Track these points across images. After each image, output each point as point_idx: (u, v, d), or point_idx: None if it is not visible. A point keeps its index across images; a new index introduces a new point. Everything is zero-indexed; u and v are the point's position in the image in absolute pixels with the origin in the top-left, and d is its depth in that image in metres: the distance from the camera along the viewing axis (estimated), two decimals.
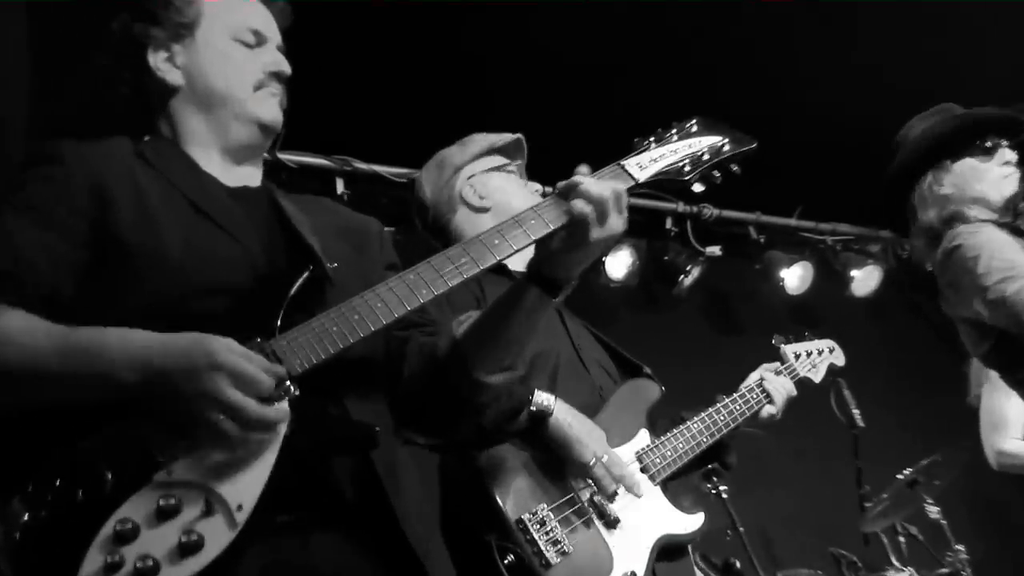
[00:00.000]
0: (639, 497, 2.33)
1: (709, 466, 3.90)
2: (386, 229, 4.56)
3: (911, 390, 6.31)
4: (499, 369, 1.82)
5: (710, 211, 5.86)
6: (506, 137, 2.83)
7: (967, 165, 2.90)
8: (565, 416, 2.25)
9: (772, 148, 5.71)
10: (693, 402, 2.88)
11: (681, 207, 5.77)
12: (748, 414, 2.76)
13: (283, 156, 4.37)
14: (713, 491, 3.89)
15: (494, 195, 2.69)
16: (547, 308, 1.82)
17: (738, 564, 3.97)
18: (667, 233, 5.80)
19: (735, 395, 2.77)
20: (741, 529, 3.82)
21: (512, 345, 1.82)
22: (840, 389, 4.68)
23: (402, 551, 1.70)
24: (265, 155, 2.04)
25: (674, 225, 5.81)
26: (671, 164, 1.89)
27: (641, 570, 2.23)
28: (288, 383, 1.55)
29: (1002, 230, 2.74)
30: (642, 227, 5.67)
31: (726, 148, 1.93)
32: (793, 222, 6.28)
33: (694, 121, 1.96)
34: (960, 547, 4.32)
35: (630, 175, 1.84)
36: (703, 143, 1.92)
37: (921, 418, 6.11)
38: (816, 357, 3.07)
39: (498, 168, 2.78)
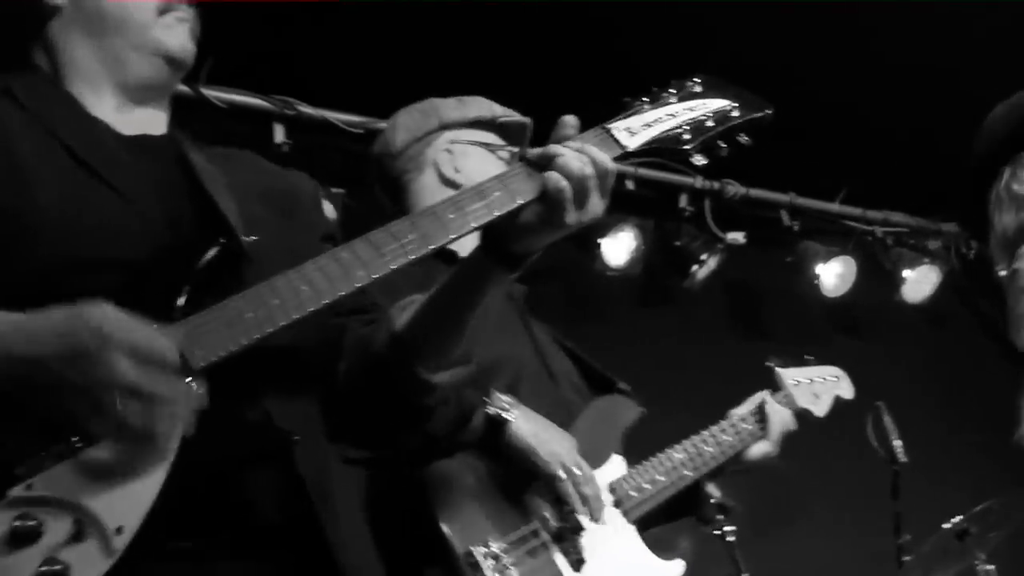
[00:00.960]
0: (604, 525, 2.35)
1: (711, 500, 3.96)
2: (335, 190, 4.59)
3: (967, 421, 6.33)
4: (447, 364, 1.82)
5: (735, 189, 5.88)
6: (513, 116, 2.84)
7: None
8: (529, 421, 2.26)
9: (813, 117, 5.81)
10: (699, 421, 2.90)
11: (699, 182, 5.78)
12: (739, 447, 2.80)
13: (208, 92, 4.33)
14: (716, 532, 3.89)
15: (471, 174, 2.67)
16: (501, 285, 1.83)
17: None
18: (680, 213, 5.81)
19: (726, 423, 2.81)
20: None
21: (461, 333, 1.83)
22: (880, 415, 4.69)
23: None
24: (186, 89, 2.02)
25: (690, 204, 5.82)
26: (668, 130, 1.89)
27: None
28: (189, 379, 1.54)
29: None
30: (650, 204, 5.67)
31: (735, 114, 1.94)
32: (835, 207, 6.31)
33: (697, 80, 1.96)
34: None
35: (618, 142, 1.84)
36: (707, 107, 1.93)
37: (977, 455, 6.15)
38: (819, 386, 3.14)
39: (489, 147, 2.77)
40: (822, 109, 5.63)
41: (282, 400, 1.73)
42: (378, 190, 2.85)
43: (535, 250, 1.81)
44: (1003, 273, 2.93)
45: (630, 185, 5.48)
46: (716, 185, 5.82)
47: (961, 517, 4.40)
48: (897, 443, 4.70)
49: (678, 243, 5.80)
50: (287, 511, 1.70)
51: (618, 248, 5.57)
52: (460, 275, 1.84)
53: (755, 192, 5.99)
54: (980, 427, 6.12)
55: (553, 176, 1.70)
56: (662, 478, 2.57)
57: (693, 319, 6.11)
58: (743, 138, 1.97)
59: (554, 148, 1.74)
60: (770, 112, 1.99)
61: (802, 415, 3.12)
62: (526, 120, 2.86)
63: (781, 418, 2.90)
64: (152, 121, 1.92)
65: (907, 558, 4.52)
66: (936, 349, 6.62)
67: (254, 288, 1.62)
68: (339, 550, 1.69)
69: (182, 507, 1.54)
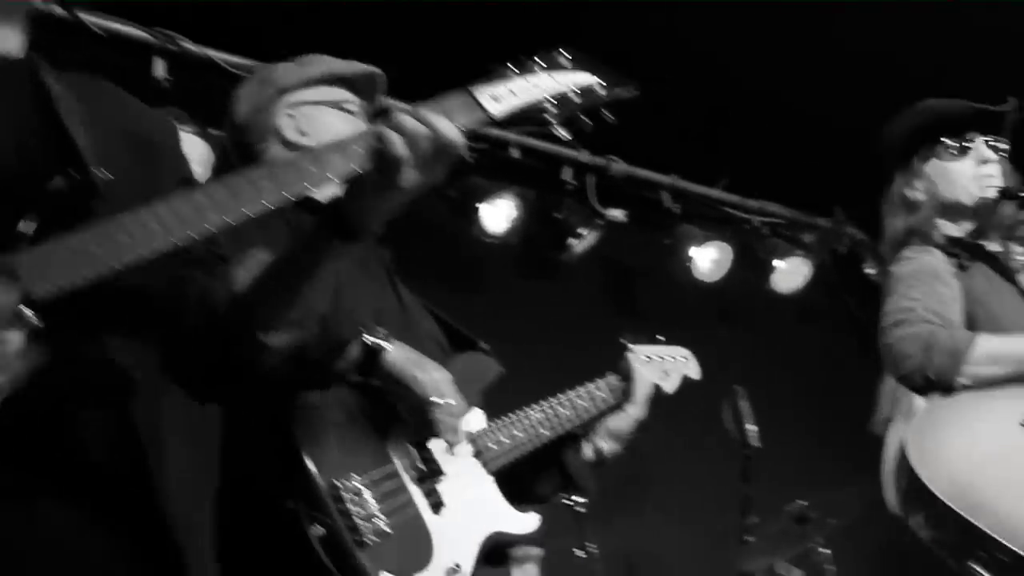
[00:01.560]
0: (464, 473, 2.40)
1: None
2: (213, 132, 4.53)
3: (823, 410, 6.55)
4: (285, 326, 1.83)
5: (619, 166, 5.94)
6: (356, 67, 2.78)
7: (935, 167, 3.09)
8: (406, 351, 2.29)
9: (703, 104, 5.89)
10: (563, 385, 2.94)
11: (585, 156, 5.83)
12: (596, 411, 2.84)
13: (87, 18, 4.22)
14: (566, 502, 4.00)
15: (320, 134, 2.61)
16: (344, 259, 1.84)
17: None
18: (563, 186, 5.86)
19: (582, 389, 2.84)
20: (594, 551, 3.93)
21: (300, 300, 1.84)
22: (737, 400, 4.85)
23: (157, 528, 1.71)
24: (63, 12, 1.96)
25: (573, 177, 5.87)
26: (533, 100, 1.91)
27: (467, 564, 2.29)
28: (27, 309, 1.52)
29: (950, 260, 2.95)
30: (533, 174, 5.71)
31: (600, 90, 1.96)
32: (716, 193, 6.44)
33: (565, 54, 1.97)
34: None
35: (482, 107, 1.85)
36: (574, 80, 1.95)
37: (830, 444, 6.36)
38: (669, 364, 3.18)
39: (334, 104, 2.74)
40: (713, 96, 5.76)
41: (121, 342, 1.72)
42: (236, 162, 2.81)
43: (371, 225, 1.82)
44: (873, 272, 3.09)
45: (515, 153, 5.50)
46: (601, 161, 5.88)
47: (804, 502, 4.59)
48: (751, 428, 4.87)
49: (558, 215, 5.86)
50: (116, 453, 1.69)
51: (497, 215, 5.61)
52: (299, 244, 1.85)
53: (639, 171, 6.06)
54: (833, 417, 6.36)
55: (388, 134, 1.72)
56: (520, 434, 2.60)
57: (566, 292, 6.18)
58: (607, 115, 2.00)
59: (393, 109, 1.76)
60: (635, 91, 2.01)
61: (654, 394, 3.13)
62: (373, 70, 2.80)
63: (645, 383, 2.94)
64: (4, 41, 1.86)
65: (750, 538, 4.70)
66: (800, 340, 6.78)
67: (102, 223, 1.59)
68: (165, 498, 1.68)
69: (7, 439, 1.53)
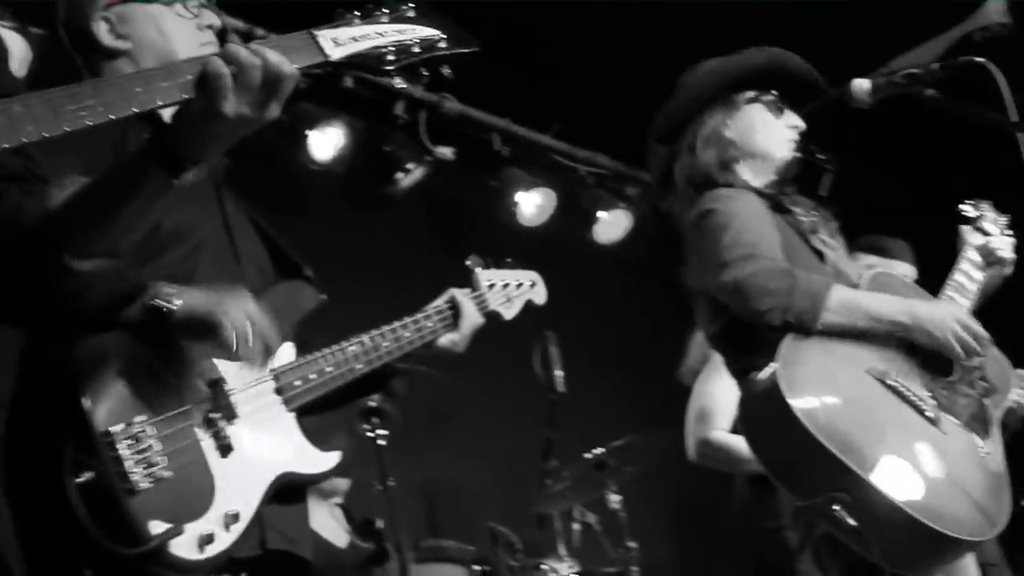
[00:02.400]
0: (262, 411, 2.35)
1: (371, 403, 4.10)
2: (35, 30, 4.35)
3: (631, 359, 6.78)
4: (96, 253, 1.83)
5: (452, 105, 5.97)
6: None
7: (757, 112, 3.15)
8: (193, 300, 2.20)
9: (539, 51, 5.94)
10: (378, 320, 2.95)
11: (419, 92, 5.83)
12: (420, 343, 2.78)
13: None
14: (369, 434, 4.05)
15: (140, 34, 2.47)
16: (166, 192, 1.83)
17: (380, 524, 4.17)
18: (395, 119, 5.85)
19: (409, 319, 2.78)
20: (392, 484, 4.01)
21: (114, 229, 1.83)
22: (547, 345, 5.00)
23: None
24: None
25: (405, 112, 5.86)
26: (374, 48, 1.93)
27: (247, 511, 2.23)
28: None
29: (764, 202, 3.01)
30: (365, 104, 5.70)
31: (441, 45, 1.99)
32: (546, 140, 6.53)
33: (411, 5, 2.00)
34: (634, 544, 4.77)
35: (321, 49, 1.87)
36: (416, 33, 1.98)
37: (634, 393, 6.62)
38: (513, 290, 3.16)
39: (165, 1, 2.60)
40: (551, 45, 5.85)
41: None
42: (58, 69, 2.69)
43: (199, 156, 1.82)
44: (686, 212, 3.09)
45: (348, 82, 5.48)
46: (434, 98, 5.89)
47: (602, 449, 4.78)
48: (559, 374, 5.03)
49: (387, 148, 5.87)
50: None
51: (325, 143, 5.58)
52: (120, 170, 1.83)
53: (471, 111, 6.10)
54: (643, 367, 6.61)
55: (215, 61, 1.72)
56: (330, 369, 2.52)
57: (390, 224, 6.22)
58: (446, 69, 2.04)
59: (235, 53, 1.73)
60: (476, 49, 2.05)
61: (493, 317, 3.12)
62: None
63: (471, 315, 2.90)
64: None
65: (549, 482, 4.87)
66: (616, 291, 6.95)
67: None
68: None
69: None
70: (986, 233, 3.20)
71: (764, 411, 2.67)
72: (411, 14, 2.01)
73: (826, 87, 3.21)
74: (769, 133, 3.13)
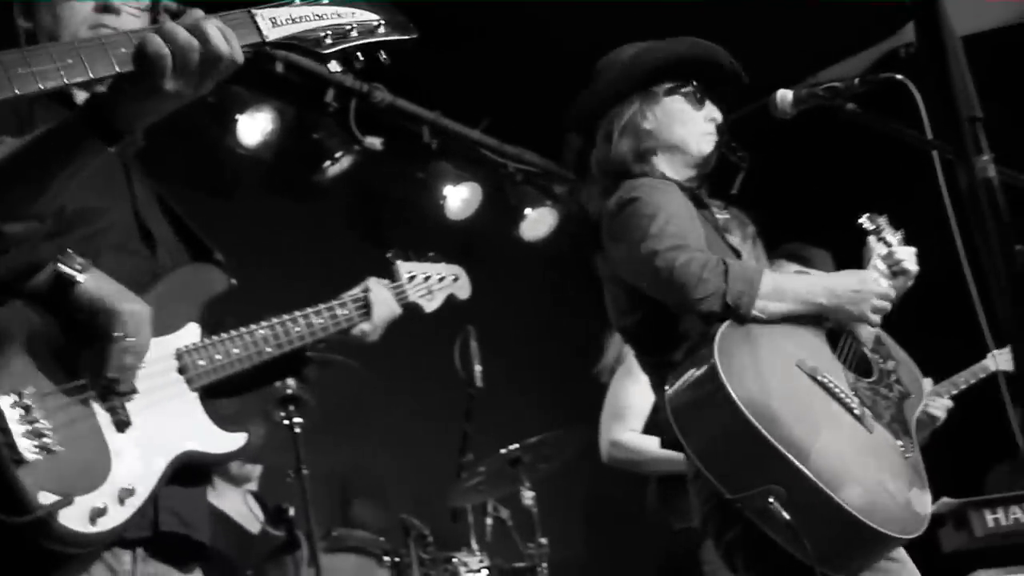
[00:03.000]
0: (163, 389, 2.33)
1: (287, 390, 4.09)
2: None
3: (551, 357, 6.84)
4: (22, 216, 1.83)
5: (383, 95, 5.96)
6: None
7: (676, 104, 3.12)
8: (100, 282, 2.21)
9: (472, 43, 5.95)
10: (298, 307, 2.94)
11: (349, 81, 5.82)
12: (333, 330, 2.77)
13: None
14: (285, 421, 4.04)
15: (39, 16, 2.48)
16: (97, 157, 1.84)
17: (292, 511, 4.17)
18: (325, 106, 5.82)
19: (323, 306, 2.76)
20: (306, 472, 4.00)
21: (45, 193, 1.83)
22: (467, 339, 5.03)
23: None
24: None
25: (336, 99, 5.85)
26: (311, 30, 1.93)
27: (145, 489, 2.22)
28: None
29: (684, 194, 3.00)
30: (295, 90, 5.66)
31: (380, 30, 1.99)
32: (475, 135, 6.54)
33: None
34: (544, 541, 4.81)
35: (258, 29, 1.87)
36: (355, 17, 1.97)
37: (553, 390, 6.68)
38: (435, 283, 3.17)
39: None
40: (484, 40, 5.87)
41: None
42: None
43: (134, 128, 1.83)
44: (600, 201, 3.06)
45: (279, 67, 5.45)
46: (365, 87, 5.87)
47: (517, 445, 4.81)
48: (478, 368, 5.06)
49: (316, 136, 5.85)
50: None
51: (253, 128, 5.55)
52: (53, 134, 1.82)
53: (402, 103, 6.08)
54: (561, 365, 6.67)
55: (155, 40, 1.73)
56: (237, 351, 2.50)
57: (315, 212, 6.21)
58: (382, 55, 2.04)
59: (175, 22, 1.76)
60: (415, 36, 2.06)
61: (413, 309, 3.13)
62: None
63: (387, 305, 2.88)
64: None
65: (464, 476, 4.89)
66: (539, 288, 7.01)
67: None
68: None
69: None
70: (888, 244, 3.25)
71: (700, 400, 2.64)
72: None
73: (746, 78, 3.18)
74: (688, 126, 3.10)
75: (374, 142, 5.95)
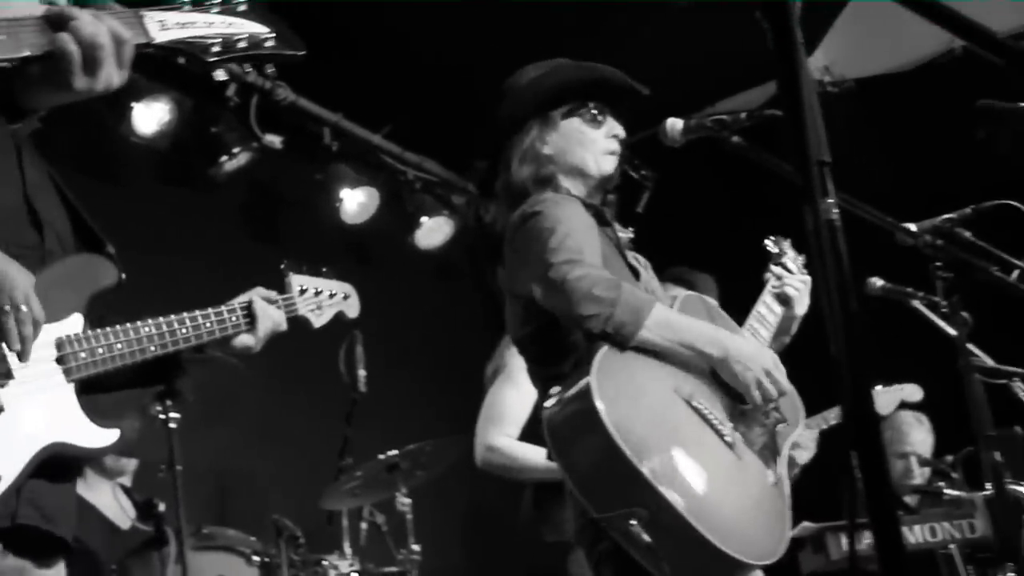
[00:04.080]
0: (40, 379, 2.30)
1: (161, 387, 4.03)
2: None
3: (438, 365, 6.88)
4: None
5: (285, 93, 5.91)
6: None
7: (574, 126, 3.13)
8: None
9: (383, 51, 5.94)
10: (183, 303, 2.92)
11: (252, 77, 5.77)
12: (219, 336, 2.71)
13: None
14: (161, 415, 3.99)
15: None
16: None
17: (162, 507, 4.12)
18: (226, 100, 5.75)
19: (212, 310, 2.76)
20: (179, 468, 3.96)
21: None
22: (353, 343, 5.03)
23: None
24: None
25: (237, 95, 5.78)
26: (200, 37, 1.97)
27: (9, 474, 2.19)
28: None
29: (587, 211, 3.02)
30: (195, 82, 5.60)
31: (268, 44, 2.03)
32: (377, 139, 6.53)
33: (242, 0, 2.04)
34: (417, 547, 4.83)
35: (145, 31, 1.90)
36: (245, 28, 2.01)
37: (437, 399, 6.69)
38: (325, 299, 3.15)
39: None
40: (392, 50, 5.89)
41: None
42: None
43: (41, 107, 1.84)
44: (504, 220, 3.09)
45: (181, 59, 5.37)
46: (268, 84, 5.82)
47: (396, 451, 4.82)
48: (362, 373, 5.06)
49: (214, 129, 5.80)
50: None
51: (149, 117, 5.47)
52: None
53: (304, 102, 6.04)
54: (448, 374, 6.69)
55: (63, 37, 1.74)
56: (120, 346, 2.46)
57: (207, 207, 6.15)
58: (269, 68, 2.09)
59: (72, 10, 1.77)
60: (302, 53, 2.09)
61: (300, 322, 3.10)
62: None
63: (272, 318, 2.82)
64: None
65: (342, 479, 4.89)
66: (430, 296, 7.05)
67: None
68: None
69: None
70: (787, 269, 3.30)
71: (573, 418, 2.65)
72: (242, 9, 2.04)
73: (646, 91, 3.22)
74: (587, 148, 3.13)
75: (273, 140, 5.91)
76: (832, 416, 4.89)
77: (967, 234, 3.00)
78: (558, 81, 3.18)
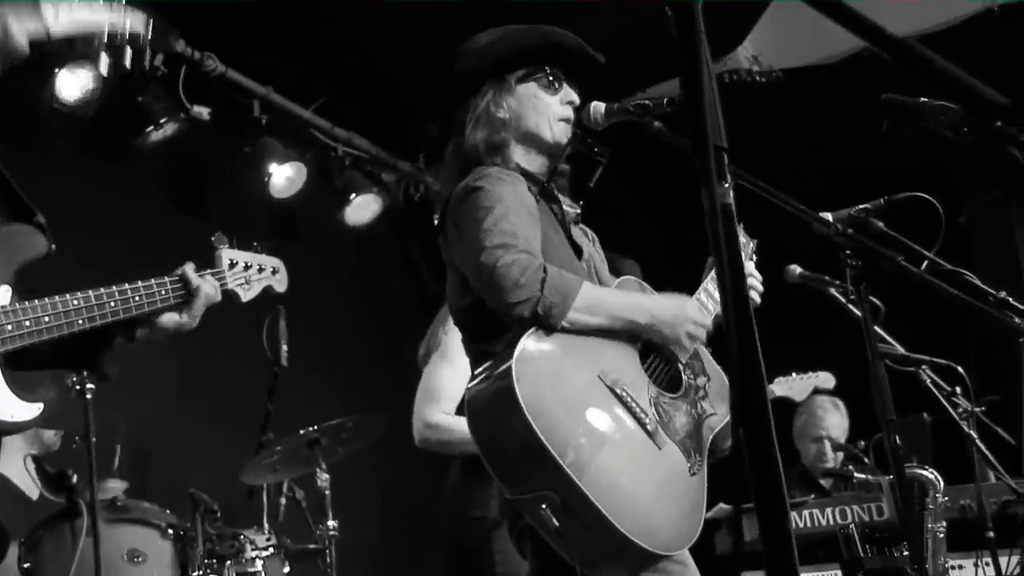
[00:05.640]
0: None
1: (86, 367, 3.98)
2: None
3: (361, 343, 6.89)
4: None
5: (215, 64, 5.86)
6: None
7: (530, 91, 3.11)
8: None
9: (315, 26, 5.92)
10: (108, 277, 2.88)
11: (181, 47, 5.70)
12: (148, 309, 2.74)
13: None
14: (76, 387, 3.94)
15: None
16: None
17: (75, 478, 4.08)
18: (153, 70, 5.68)
19: (141, 283, 2.74)
20: (94, 439, 3.92)
21: None
22: (277, 318, 5.01)
23: None
24: None
25: (164, 64, 5.72)
26: (87, 25, 2.05)
27: None
28: None
29: (533, 186, 3.02)
30: (120, 50, 5.50)
31: (145, 36, 2.14)
32: (306, 114, 6.50)
33: None
34: (334, 524, 4.82)
35: (44, 18, 1.97)
36: (128, 19, 2.10)
37: (359, 376, 6.70)
38: (255, 273, 3.18)
39: None
40: (326, 25, 5.86)
41: None
42: None
43: None
44: (449, 186, 3.08)
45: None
46: (196, 55, 5.76)
47: (315, 427, 4.81)
48: (284, 348, 5.04)
49: (140, 99, 5.69)
50: None
51: (73, 83, 5.34)
52: None
53: (234, 74, 5.99)
54: (373, 351, 6.70)
55: None
56: (47, 319, 2.48)
57: (133, 178, 6.05)
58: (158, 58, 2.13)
59: None
60: (178, 48, 2.15)
61: (229, 296, 3.12)
62: None
63: (205, 291, 2.86)
64: None
65: (263, 453, 4.87)
66: (356, 274, 7.04)
67: None
68: None
69: None
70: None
71: (493, 400, 2.67)
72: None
73: (601, 59, 3.21)
74: (542, 114, 3.10)
75: (201, 111, 5.86)
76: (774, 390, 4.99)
77: (880, 224, 3.07)
78: (514, 44, 3.16)
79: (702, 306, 3.08)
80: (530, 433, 2.53)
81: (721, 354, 3.02)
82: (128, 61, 2.10)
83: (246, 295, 3.16)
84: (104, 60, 2.07)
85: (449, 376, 4.40)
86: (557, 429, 2.57)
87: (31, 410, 2.47)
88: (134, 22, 2.03)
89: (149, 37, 2.07)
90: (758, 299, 3.21)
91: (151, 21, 2.08)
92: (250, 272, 3.16)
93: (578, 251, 3.11)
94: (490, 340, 2.89)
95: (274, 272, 3.28)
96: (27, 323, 2.45)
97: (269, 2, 5.57)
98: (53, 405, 4.09)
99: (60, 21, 1.90)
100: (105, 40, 2.02)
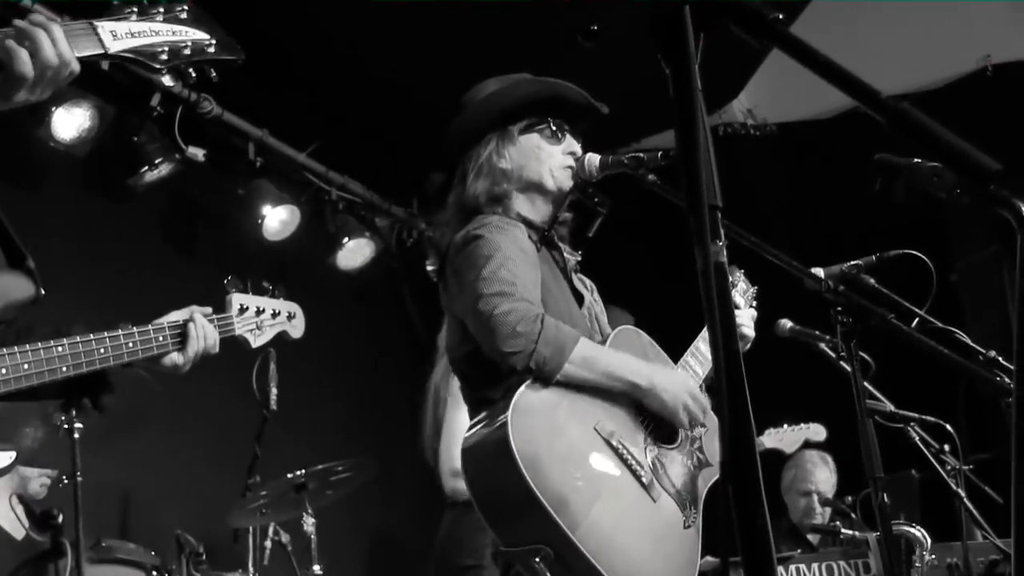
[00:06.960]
0: None
1: (85, 400, 3.98)
2: None
3: (351, 388, 6.89)
4: None
5: (211, 106, 5.89)
6: None
7: (532, 142, 3.15)
8: None
9: (312, 71, 5.96)
10: (99, 321, 2.87)
11: (178, 88, 5.73)
12: (142, 356, 2.68)
13: None
14: (64, 426, 3.93)
15: None
16: None
17: (61, 518, 4.06)
18: (149, 110, 5.71)
19: (136, 329, 2.66)
20: (80, 479, 3.91)
21: None
22: (267, 361, 5.01)
23: None
24: None
25: (161, 105, 5.74)
26: (148, 45, 2.05)
27: None
28: None
29: (533, 234, 3.05)
30: (120, 90, 5.55)
31: (210, 50, 2.12)
32: (301, 157, 6.55)
33: (184, 8, 2.11)
34: (319, 568, 4.81)
35: (101, 41, 1.98)
36: (188, 35, 2.10)
37: (347, 421, 6.70)
38: (267, 318, 3.13)
39: None
40: (323, 71, 5.91)
41: None
42: None
43: None
44: (450, 235, 3.08)
45: (104, 64, 5.32)
46: (193, 96, 5.79)
47: (304, 471, 4.81)
48: (274, 391, 5.04)
49: (136, 139, 5.73)
50: None
51: (69, 122, 5.40)
52: None
53: (230, 117, 6.02)
54: (357, 396, 6.69)
55: (23, 57, 1.81)
56: (27, 366, 2.40)
57: (127, 218, 6.07)
58: (212, 73, 2.15)
59: (33, 31, 1.83)
60: (242, 58, 2.17)
61: (238, 342, 3.08)
62: None
63: (205, 340, 2.81)
64: None
65: (249, 496, 4.86)
66: (348, 318, 7.04)
67: None
68: None
69: None
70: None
71: (488, 451, 2.65)
72: (184, 16, 2.12)
73: (605, 110, 3.24)
74: (544, 163, 3.13)
75: (196, 153, 5.87)
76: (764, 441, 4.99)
77: (871, 280, 3.10)
78: (518, 96, 3.19)
79: (688, 368, 3.12)
80: (524, 485, 2.53)
81: (713, 409, 3.03)
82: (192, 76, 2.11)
83: (256, 341, 3.12)
84: (167, 80, 2.11)
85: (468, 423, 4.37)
86: (552, 481, 2.56)
87: (2, 459, 2.45)
88: (194, 34, 2.07)
89: (214, 48, 2.10)
90: (751, 333, 3.27)
91: (213, 31, 2.12)
92: (262, 317, 3.13)
93: (579, 299, 3.14)
94: (489, 388, 2.91)
95: (290, 317, 3.25)
96: (3, 371, 2.39)
97: (266, 45, 5.62)
98: (34, 443, 4.11)
99: (119, 43, 1.94)
100: (165, 57, 2.05)
